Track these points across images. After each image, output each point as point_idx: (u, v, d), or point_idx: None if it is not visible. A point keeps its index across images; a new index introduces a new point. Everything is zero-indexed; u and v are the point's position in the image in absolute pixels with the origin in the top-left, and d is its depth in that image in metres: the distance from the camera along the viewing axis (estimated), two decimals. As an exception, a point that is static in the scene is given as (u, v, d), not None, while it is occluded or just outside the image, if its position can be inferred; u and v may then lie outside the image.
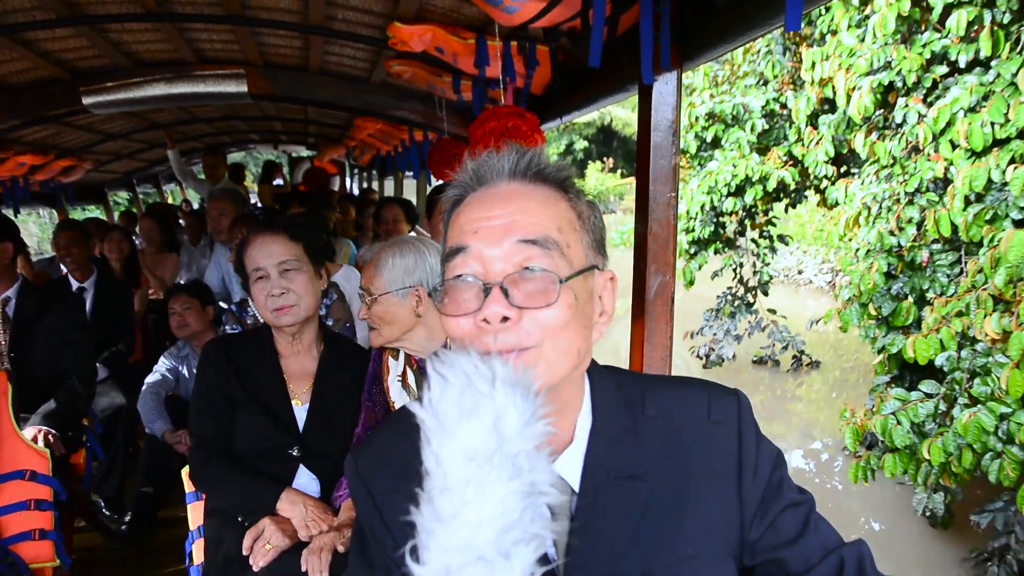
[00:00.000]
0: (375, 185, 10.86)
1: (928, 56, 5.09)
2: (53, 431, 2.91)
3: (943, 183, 4.97)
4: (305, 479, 2.10)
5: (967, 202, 4.55)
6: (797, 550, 0.94)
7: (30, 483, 2.54)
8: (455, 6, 3.04)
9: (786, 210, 8.62)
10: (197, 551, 2.22)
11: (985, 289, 4.08)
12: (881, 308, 5.24)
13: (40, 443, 2.81)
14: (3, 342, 3.13)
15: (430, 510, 0.74)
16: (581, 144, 31.76)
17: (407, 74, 3.86)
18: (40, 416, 2.98)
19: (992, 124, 4.36)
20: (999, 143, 4.39)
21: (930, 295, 4.97)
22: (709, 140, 8.00)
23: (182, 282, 4.87)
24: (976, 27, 4.71)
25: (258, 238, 2.09)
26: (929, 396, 4.26)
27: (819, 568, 0.92)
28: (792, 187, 7.50)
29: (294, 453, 2.09)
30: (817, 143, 6.79)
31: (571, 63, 3.08)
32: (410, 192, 8.66)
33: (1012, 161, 4.24)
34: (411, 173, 7.30)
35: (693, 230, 7.99)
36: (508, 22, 2.56)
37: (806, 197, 8.18)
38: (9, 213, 5.98)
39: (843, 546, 0.95)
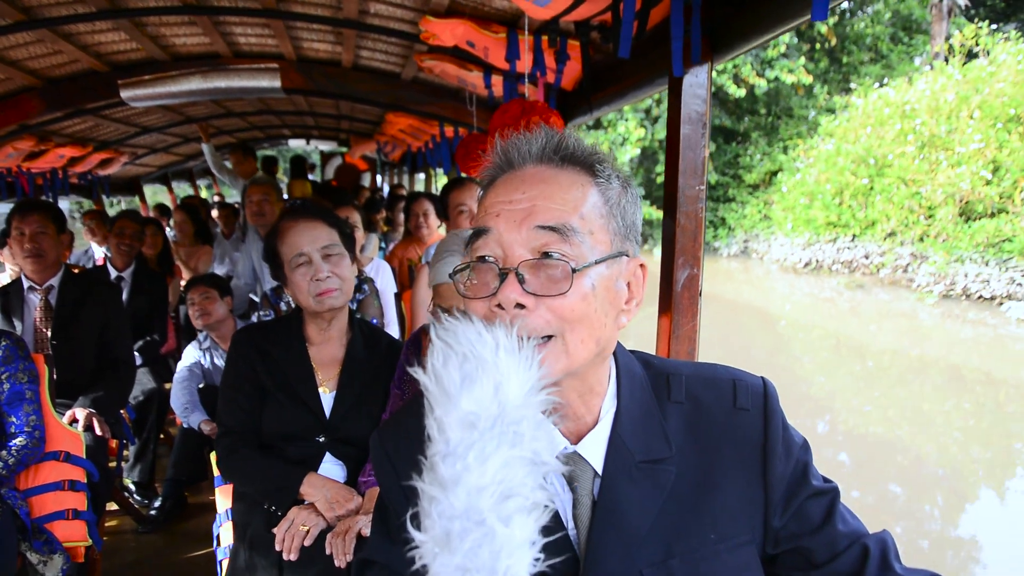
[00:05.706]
0: (405, 181, 10.93)
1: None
2: (99, 416, 2.97)
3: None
4: (331, 465, 2.11)
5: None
6: (821, 538, 0.93)
7: (64, 464, 2.59)
8: (486, 0, 3.05)
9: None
10: (225, 534, 2.25)
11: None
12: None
13: (81, 426, 2.87)
14: (45, 328, 3.21)
15: (432, 476, 0.73)
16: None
17: (438, 69, 3.88)
18: (89, 399, 3.04)
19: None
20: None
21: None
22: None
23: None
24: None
25: (297, 224, 2.11)
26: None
27: (843, 557, 0.92)
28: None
29: (320, 439, 2.10)
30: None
31: (601, 57, 3.07)
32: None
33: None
34: (441, 169, 7.33)
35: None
36: (539, 15, 2.56)
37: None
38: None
39: (867, 535, 0.94)
